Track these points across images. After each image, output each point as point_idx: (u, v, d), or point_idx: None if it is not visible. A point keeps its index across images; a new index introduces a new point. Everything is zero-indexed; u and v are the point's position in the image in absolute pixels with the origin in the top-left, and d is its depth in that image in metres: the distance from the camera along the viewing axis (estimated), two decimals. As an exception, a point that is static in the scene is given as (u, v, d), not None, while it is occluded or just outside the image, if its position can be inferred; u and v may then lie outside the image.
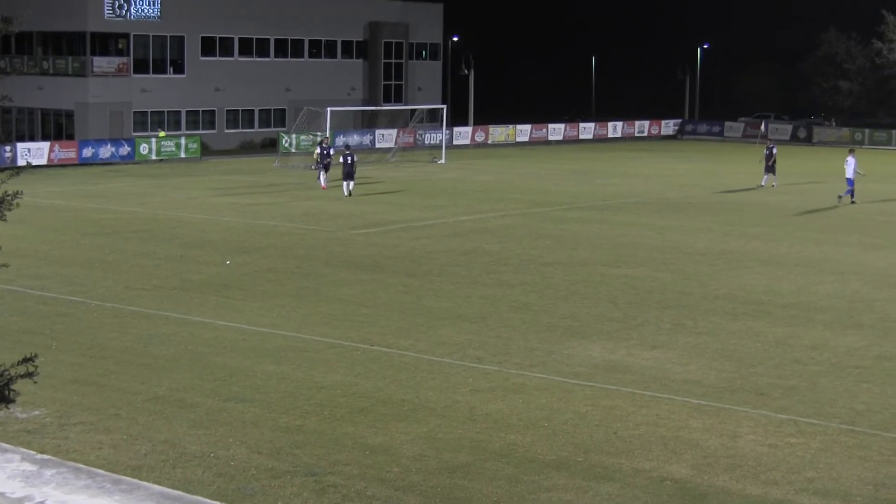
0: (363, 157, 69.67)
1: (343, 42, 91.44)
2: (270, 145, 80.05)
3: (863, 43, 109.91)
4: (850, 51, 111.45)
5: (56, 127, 78.49)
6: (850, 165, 53.09)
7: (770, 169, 59.98)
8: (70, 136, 75.00)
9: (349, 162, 53.25)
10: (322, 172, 55.71)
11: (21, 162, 62.16)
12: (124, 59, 78.50)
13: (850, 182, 52.96)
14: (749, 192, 57.84)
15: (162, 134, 71.64)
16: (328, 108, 68.99)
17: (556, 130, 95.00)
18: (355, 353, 24.43)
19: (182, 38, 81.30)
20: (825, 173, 67.60)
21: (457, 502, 16.29)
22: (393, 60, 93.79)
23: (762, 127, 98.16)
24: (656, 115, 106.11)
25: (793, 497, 16.74)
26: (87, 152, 67.30)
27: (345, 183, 53.33)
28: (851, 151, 54.64)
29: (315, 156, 58.27)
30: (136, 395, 21.04)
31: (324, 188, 54.59)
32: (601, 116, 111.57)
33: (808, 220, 46.91)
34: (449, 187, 57.89)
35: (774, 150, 60.63)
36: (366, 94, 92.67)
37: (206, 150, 74.88)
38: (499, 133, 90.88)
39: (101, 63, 77.46)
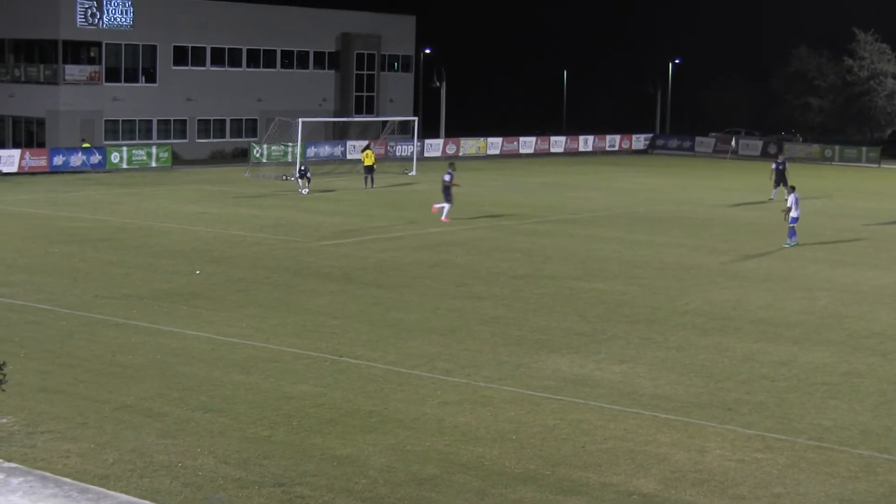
0: (335, 168, 69.83)
1: (315, 53, 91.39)
2: (242, 155, 79.85)
3: (834, 60, 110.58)
4: (821, 67, 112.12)
5: (27, 134, 78.18)
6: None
7: (778, 183, 60.65)
8: (41, 144, 74.70)
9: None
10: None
11: (-9, 169, 62.01)
12: (96, 68, 78.27)
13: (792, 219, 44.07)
14: (718, 207, 58.01)
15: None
16: (300, 119, 68.90)
17: (528, 144, 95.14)
18: (324, 364, 24.41)
19: (154, 47, 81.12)
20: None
21: (424, 514, 16.30)
22: (365, 72, 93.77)
23: (732, 142, 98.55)
24: (627, 129, 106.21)
25: (759, 512, 16.80)
26: (58, 160, 67.08)
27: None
28: (792, 189, 45.75)
29: (298, 171, 58.98)
30: (105, 404, 20.97)
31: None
32: (572, 130, 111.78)
33: (777, 236, 47.02)
34: (419, 199, 57.86)
35: (782, 167, 61.53)
36: (337, 105, 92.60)
37: (177, 160, 74.71)
38: (470, 146, 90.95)
39: (73, 71, 77.21)
